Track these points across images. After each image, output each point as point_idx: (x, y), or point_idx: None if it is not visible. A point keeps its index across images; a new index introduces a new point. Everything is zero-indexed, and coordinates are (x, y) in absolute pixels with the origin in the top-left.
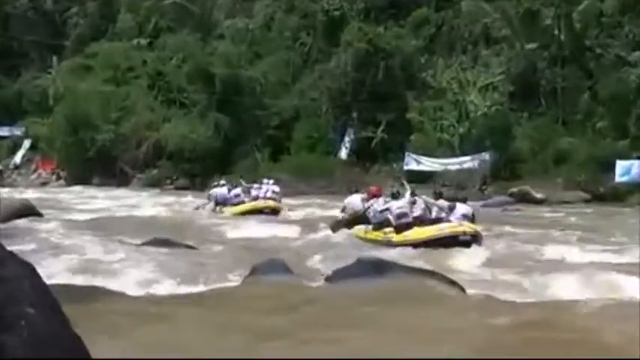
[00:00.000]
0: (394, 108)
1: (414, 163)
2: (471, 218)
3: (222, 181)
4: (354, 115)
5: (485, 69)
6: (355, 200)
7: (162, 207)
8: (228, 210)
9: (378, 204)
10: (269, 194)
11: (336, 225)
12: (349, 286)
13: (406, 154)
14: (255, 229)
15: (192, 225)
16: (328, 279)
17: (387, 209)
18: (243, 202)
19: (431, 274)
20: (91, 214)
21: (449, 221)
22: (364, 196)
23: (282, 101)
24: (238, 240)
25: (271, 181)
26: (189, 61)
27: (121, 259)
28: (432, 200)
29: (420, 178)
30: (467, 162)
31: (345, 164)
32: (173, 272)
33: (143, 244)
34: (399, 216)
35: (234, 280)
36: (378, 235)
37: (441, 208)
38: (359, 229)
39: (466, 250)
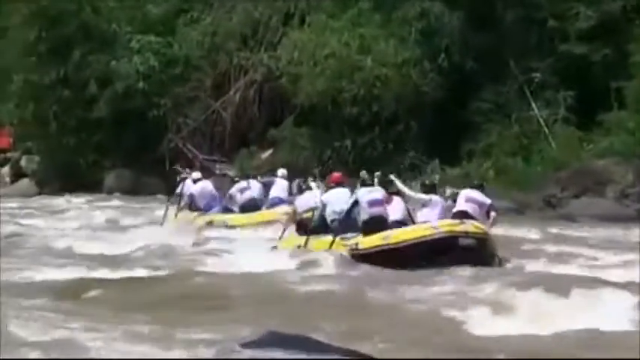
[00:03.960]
0: None
1: None
2: (483, 211)
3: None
4: None
5: None
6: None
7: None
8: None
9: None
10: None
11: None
12: None
13: None
14: None
15: None
16: None
17: (356, 202)
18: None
19: None
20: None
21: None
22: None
23: None
24: None
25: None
26: None
27: None
28: (420, 195)
29: None
30: None
31: None
32: None
33: None
34: (372, 203)
35: None
36: (339, 243)
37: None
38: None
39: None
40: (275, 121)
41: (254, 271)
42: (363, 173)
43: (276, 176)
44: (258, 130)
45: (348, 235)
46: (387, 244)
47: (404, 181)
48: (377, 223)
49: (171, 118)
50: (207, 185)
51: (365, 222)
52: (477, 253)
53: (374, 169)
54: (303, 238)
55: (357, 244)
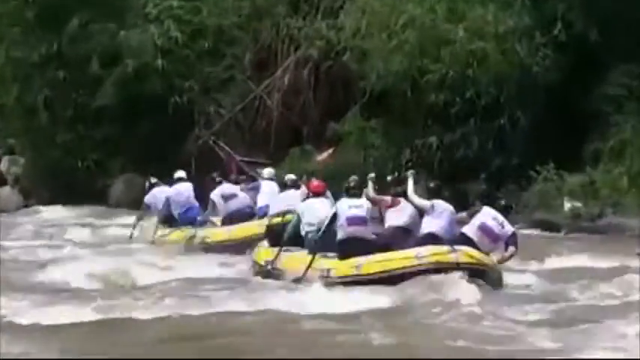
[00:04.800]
0: None
1: None
2: (497, 245)
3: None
4: None
5: None
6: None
7: None
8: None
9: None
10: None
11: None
12: None
13: None
14: None
15: None
16: None
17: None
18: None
19: None
20: None
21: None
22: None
23: None
24: None
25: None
26: None
27: None
28: (420, 200)
29: None
30: None
31: None
32: None
33: None
34: (352, 220)
35: None
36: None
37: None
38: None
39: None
40: (336, 112)
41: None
42: (353, 178)
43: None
44: (314, 122)
45: (329, 254)
46: (359, 275)
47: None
48: (354, 246)
49: (198, 106)
50: (184, 189)
51: (340, 242)
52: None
53: (468, 174)
54: (274, 251)
55: (329, 269)
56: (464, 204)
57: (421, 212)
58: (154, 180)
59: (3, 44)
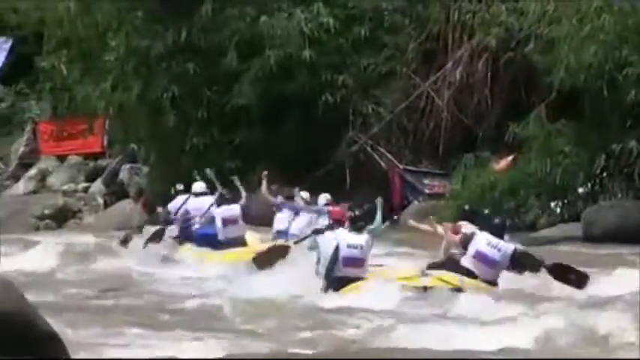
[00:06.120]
0: None
1: None
2: (498, 270)
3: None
4: None
5: None
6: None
7: None
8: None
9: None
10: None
11: None
12: None
13: None
14: None
15: None
16: None
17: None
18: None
19: None
20: None
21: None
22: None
23: None
24: None
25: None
26: None
27: None
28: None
29: None
30: None
31: None
32: None
33: None
34: (348, 261)
35: None
36: None
37: None
38: None
39: None
40: (516, 112)
41: None
42: (360, 211)
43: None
44: (490, 124)
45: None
46: None
47: None
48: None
49: (353, 105)
50: (205, 202)
51: (336, 280)
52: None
53: None
54: None
55: None
56: None
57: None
58: (180, 187)
59: (122, 32)
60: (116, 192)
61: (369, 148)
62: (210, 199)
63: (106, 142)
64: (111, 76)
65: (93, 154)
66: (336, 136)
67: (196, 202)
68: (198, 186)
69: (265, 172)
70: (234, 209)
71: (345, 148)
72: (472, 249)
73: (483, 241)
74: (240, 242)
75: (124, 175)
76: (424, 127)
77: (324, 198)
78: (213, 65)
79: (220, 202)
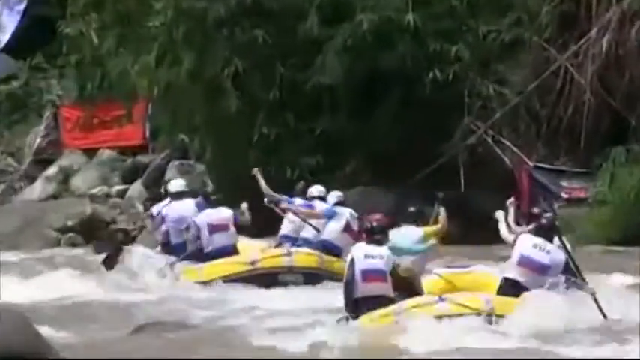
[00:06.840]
0: None
1: None
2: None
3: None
4: None
5: None
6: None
7: None
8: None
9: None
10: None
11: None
12: None
13: None
14: None
15: None
16: None
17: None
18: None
19: None
20: None
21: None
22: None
23: None
24: None
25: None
26: None
27: None
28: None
29: None
30: None
31: None
32: None
33: None
34: (367, 275)
35: None
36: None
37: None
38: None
39: None
40: None
41: None
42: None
43: None
44: None
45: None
46: None
47: None
48: (372, 307)
49: (469, 84)
50: (185, 207)
51: (355, 302)
52: None
53: None
54: None
55: None
56: None
57: None
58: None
59: None
60: (161, 196)
61: (489, 140)
62: (190, 203)
63: (148, 133)
64: (155, 46)
65: (131, 148)
66: (447, 124)
67: (176, 208)
68: (176, 184)
69: (256, 169)
70: (222, 212)
71: (458, 140)
72: (515, 255)
73: (529, 243)
74: (231, 251)
75: (171, 174)
76: (561, 113)
77: (334, 196)
78: (288, 33)
79: (204, 205)
